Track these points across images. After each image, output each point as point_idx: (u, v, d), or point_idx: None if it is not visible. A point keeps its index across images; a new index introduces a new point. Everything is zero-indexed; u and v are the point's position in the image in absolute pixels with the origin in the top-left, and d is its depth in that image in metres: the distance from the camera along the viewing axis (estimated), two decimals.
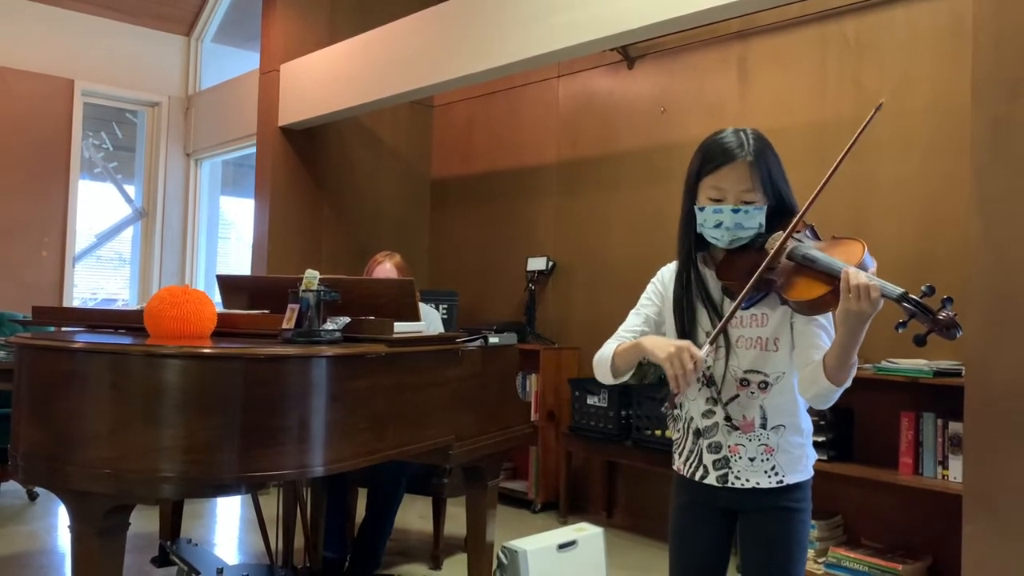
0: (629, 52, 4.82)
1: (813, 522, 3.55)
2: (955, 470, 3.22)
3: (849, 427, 3.67)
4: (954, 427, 3.24)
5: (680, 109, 4.61)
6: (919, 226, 3.62)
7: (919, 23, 3.68)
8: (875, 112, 1.63)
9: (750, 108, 4.26)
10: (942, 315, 1.42)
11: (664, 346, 1.60)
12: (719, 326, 1.65)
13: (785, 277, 1.59)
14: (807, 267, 1.56)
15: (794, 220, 1.62)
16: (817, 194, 1.64)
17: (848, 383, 1.58)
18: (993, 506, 2.49)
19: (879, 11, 3.81)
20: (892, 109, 3.74)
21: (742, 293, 1.60)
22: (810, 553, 3.55)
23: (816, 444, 3.48)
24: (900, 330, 1.47)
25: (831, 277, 1.52)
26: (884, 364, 3.45)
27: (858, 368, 3.70)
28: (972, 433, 2.56)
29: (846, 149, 1.63)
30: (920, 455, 3.38)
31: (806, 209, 1.64)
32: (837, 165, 1.63)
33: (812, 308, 1.55)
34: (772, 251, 1.60)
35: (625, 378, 1.77)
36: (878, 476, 3.46)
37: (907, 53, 3.71)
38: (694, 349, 1.57)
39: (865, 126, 1.62)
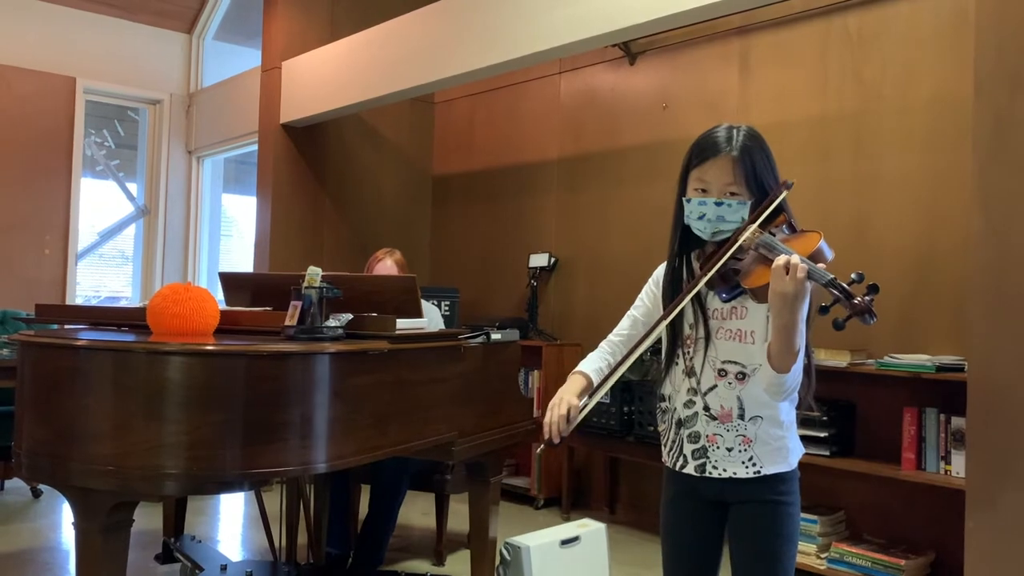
0: (631, 48, 4.82)
1: (815, 517, 3.56)
2: (958, 465, 3.22)
3: (851, 422, 3.67)
4: (957, 422, 3.24)
5: (682, 105, 4.61)
6: (921, 221, 3.62)
7: (921, 18, 3.67)
8: (783, 190, 1.65)
9: (751, 103, 4.26)
10: (857, 300, 1.46)
11: (558, 393, 1.75)
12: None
13: (747, 266, 1.64)
14: (765, 256, 1.60)
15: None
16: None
17: (794, 372, 1.58)
18: (996, 501, 2.49)
19: (881, 6, 3.80)
20: (894, 104, 3.73)
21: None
22: (812, 548, 3.55)
23: (818, 439, 3.53)
24: (823, 314, 1.51)
25: None
26: (886, 359, 3.45)
27: (861, 364, 3.70)
28: (975, 428, 2.56)
29: (755, 218, 1.64)
30: (923, 450, 3.38)
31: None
32: (743, 230, 1.63)
33: (762, 295, 1.58)
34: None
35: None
36: (881, 471, 3.46)
37: (909, 48, 3.70)
38: (575, 401, 1.70)
39: (774, 204, 1.63)
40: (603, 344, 1.89)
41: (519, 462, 5.22)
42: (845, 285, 1.47)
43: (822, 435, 3.55)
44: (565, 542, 3.07)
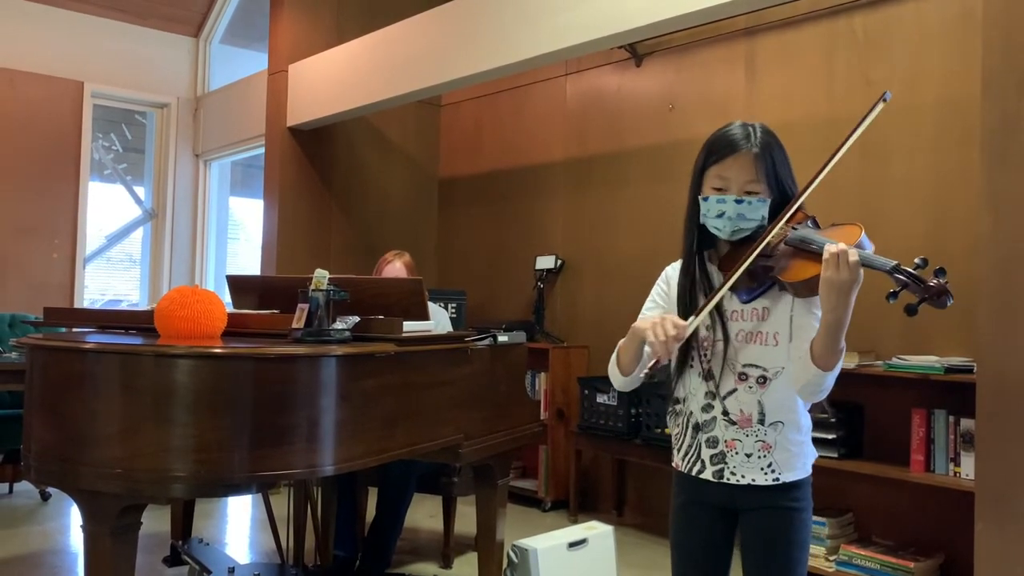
0: (637, 50, 4.82)
1: (824, 519, 3.55)
2: (967, 467, 3.20)
3: (860, 424, 3.66)
4: (966, 424, 3.22)
5: (688, 106, 4.61)
6: (929, 221, 3.61)
7: (928, 18, 3.66)
8: (880, 102, 1.61)
9: (758, 104, 4.25)
10: (933, 282, 1.41)
11: (650, 318, 1.63)
12: (708, 301, 1.64)
13: (782, 262, 1.59)
14: (803, 249, 1.56)
15: (790, 205, 1.62)
16: (815, 181, 1.63)
17: (835, 371, 1.56)
18: (1005, 503, 2.48)
19: (888, 6, 3.79)
20: (901, 104, 3.72)
21: (736, 272, 1.60)
22: (821, 551, 3.53)
23: (826, 441, 3.52)
24: (891, 300, 1.45)
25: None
26: (895, 361, 3.44)
27: (869, 365, 3.69)
28: (984, 430, 2.55)
29: (849, 137, 1.62)
30: (931, 452, 3.37)
31: (803, 194, 1.63)
32: (837, 152, 1.61)
33: (807, 288, 1.54)
34: (767, 234, 1.60)
35: (637, 374, 1.73)
36: (889, 473, 3.44)
37: (916, 48, 3.69)
38: (676, 319, 1.59)
39: (869, 116, 1.62)
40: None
41: (526, 464, 5.21)
42: (911, 270, 1.43)
43: (830, 437, 3.54)
44: (572, 545, 3.06)
